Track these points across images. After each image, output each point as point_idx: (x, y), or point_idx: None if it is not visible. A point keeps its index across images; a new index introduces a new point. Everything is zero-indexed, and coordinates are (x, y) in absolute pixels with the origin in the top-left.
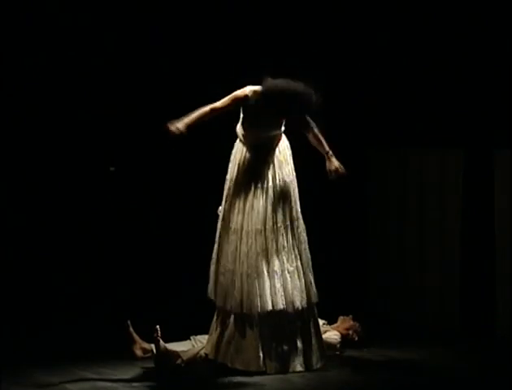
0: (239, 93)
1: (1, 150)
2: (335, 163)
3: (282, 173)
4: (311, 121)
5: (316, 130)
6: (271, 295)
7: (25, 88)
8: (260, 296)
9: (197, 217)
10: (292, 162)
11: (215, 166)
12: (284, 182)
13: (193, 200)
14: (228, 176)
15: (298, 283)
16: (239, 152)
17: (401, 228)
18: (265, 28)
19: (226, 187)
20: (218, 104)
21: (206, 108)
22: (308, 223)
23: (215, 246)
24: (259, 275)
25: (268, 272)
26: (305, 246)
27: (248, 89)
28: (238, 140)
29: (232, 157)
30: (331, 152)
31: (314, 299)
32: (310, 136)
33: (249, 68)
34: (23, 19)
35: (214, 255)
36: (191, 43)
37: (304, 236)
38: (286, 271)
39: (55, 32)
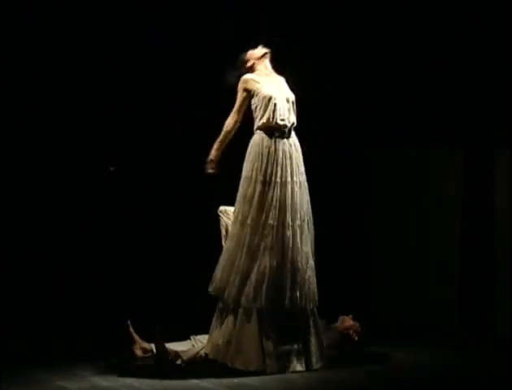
0: (245, 78)
1: (1, 150)
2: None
3: (300, 168)
4: None
5: None
6: (285, 293)
7: (25, 88)
8: (274, 294)
9: (197, 217)
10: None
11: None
12: (302, 178)
13: (193, 200)
14: (247, 173)
15: (307, 283)
16: (260, 146)
17: (401, 228)
18: (265, 29)
19: (244, 184)
20: (236, 112)
21: (229, 126)
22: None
23: (228, 242)
24: (275, 272)
25: (284, 270)
26: (313, 247)
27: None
28: (258, 136)
29: (248, 154)
30: None
31: (315, 302)
32: None
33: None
34: (23, 19)
35: (226, 251)
36: (191, 43)
37: (313, 236)
38: (299, 270)
39: (55, 32)
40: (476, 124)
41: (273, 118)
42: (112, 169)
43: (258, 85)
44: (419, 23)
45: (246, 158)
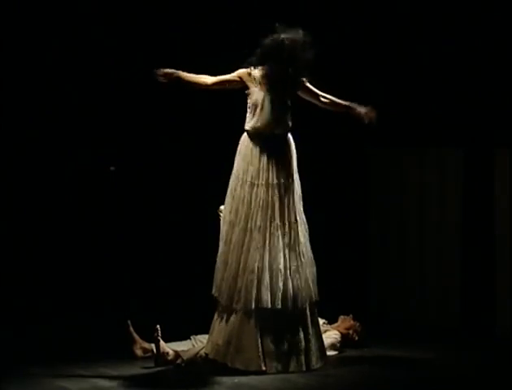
0: (242, 69)
1: (1, 150)
2: (360, 110)
3: (289, 170)
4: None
5: (323, 94)
6: (274, 293)
7: (25, 88)
8: (263, 294)
9: (198, 217)
10: (296, 161)
11: (216, 165)
12: (290, 179)
13: (193, 199)
14: (236, 172)
15: (300, 281)
16: (248, 147)
17: (401, 228)
18: (265, 29)
19: (232, 183)
20: (219, 77)
21: (202, 80)
22: (308, 223)
23: (220, 243)
24: (263, 272)
25: (272, 270)
26: (307, 244)
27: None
28: (246, 136)
29: (238, 153)
30: (349, 103)
31: (315, 297)
32: (322, 101)
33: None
34: (23, 19)
35: (219, 252)
36: (191, 44)
37: (306, 235)
38: (289, 270)
39: (55, 31)
40: (476, 124)
41: (259, 124)
42: (112, 169)
43: (254, 88)
44: (419, 23)
45: (236, 155)
